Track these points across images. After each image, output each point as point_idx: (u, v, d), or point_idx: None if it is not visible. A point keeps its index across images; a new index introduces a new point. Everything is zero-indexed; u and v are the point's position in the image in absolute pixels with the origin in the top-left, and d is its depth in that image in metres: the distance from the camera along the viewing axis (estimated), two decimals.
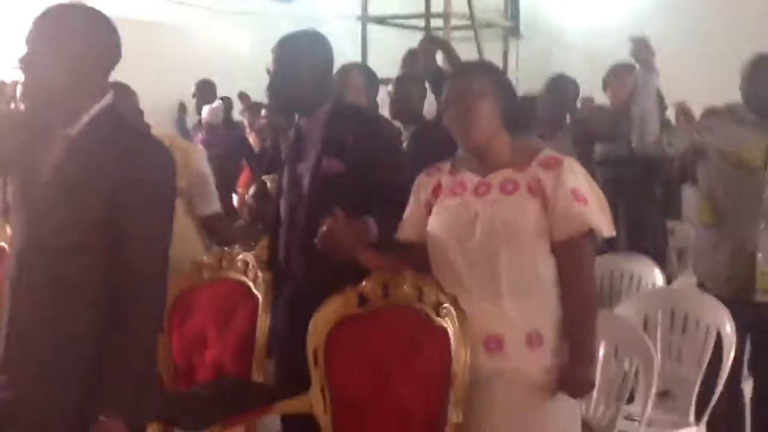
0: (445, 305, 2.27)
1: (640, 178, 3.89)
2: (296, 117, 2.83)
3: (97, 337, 1.79)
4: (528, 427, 2.24)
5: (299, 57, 2.60)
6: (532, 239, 2.22)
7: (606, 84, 4.50)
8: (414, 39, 9.57)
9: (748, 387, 3.45)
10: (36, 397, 1.82)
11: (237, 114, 7.92)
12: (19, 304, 1.88)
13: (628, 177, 4.02)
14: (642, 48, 3.16)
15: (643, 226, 4.22)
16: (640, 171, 3.89)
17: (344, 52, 9.89)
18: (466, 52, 9.48)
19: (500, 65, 9.57)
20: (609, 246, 4.22)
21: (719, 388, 2.98)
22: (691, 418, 3.05)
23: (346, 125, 2.62)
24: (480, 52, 9.19)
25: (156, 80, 8.31)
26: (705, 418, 3.02)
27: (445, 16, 9.08)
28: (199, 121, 6.58)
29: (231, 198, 5.91)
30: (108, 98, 1.90)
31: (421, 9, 9.75)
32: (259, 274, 2.63)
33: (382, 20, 9.41)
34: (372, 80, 3.91)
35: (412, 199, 2.41)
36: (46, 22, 1.86)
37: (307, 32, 2.73)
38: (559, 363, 2.22)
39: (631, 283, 3.89)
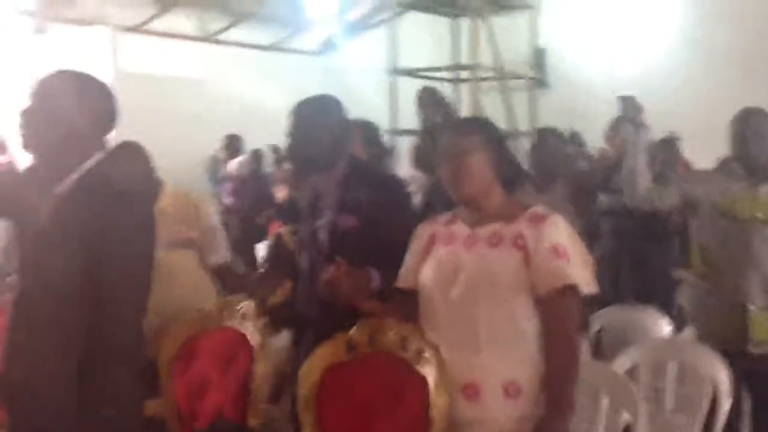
0: (426, 354, 2.37)
1: (641, 228, 3.96)
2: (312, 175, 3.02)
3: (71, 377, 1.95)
4: None
5: (315, 120, 2.81)
6: (512, 292, 2.29)
7: (606, 138, 4.60)
8: (442, 90, 9.91)
9: None
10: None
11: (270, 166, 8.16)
12: (13, 339, 2.06)
13: (629, 228, 4.09)
14: (630, 106, 3.28)
15: (648, 276, 4.28)
16: (639, 222, 3.96)
17: (373, 103, 10.23)
18: (493, 102, 9.71)
19: (527, 114, 9.76)
20: (615, 297, 4.30)
21: None
22: None
23: (359, 184, 2.81)
24: (508, 102, 9.36)
25: (189, 135, 8.66)
26: None
27: (473, 68, 9.30)
28: (227, 173, 6.83)
29: (254, 248, 6.09)
30: (94, 159, 2.07)
31: (450, 61, 9.99)
32: (258, 323, 2.76)
33: (410, 72, 9.64)
34: (371, 134, 4.08)
35: (411, 248, 2.53)
36: (46, 84, 2.07)
37: (323, 96, 2.96)
38: (536, 413, 2.27)
39: (638, 334, 3.93)
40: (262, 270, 4.67)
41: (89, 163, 2.06)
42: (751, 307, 3.24)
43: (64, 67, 2.15)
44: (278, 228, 6.56)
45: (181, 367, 2.85)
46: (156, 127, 8.25)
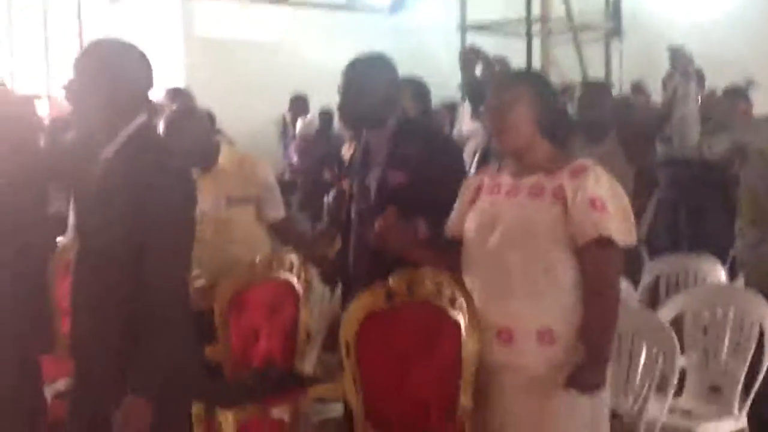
0: (459, 299, 2.45)
1: (698, 178, 3.91)
2: (364, 132, 3.10)
3: (126, 332, 2.11)
4: (538, 418, 2.36)
5: (365, 78, 2.88)
6: (549, 242, 2.33)
7: (664, 86, 4.52)
8: (513, 45, 9.82)
9: None
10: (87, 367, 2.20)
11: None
12: (76, 296, 2.24)
13: (686, 177, 4.05)
14: (680, 57, 3.25)
15: (705, 225, 4.23)
16: (696, 171, 3.91)
17: (445, 60, 10.19)
18: (567, 54, 9.56)
19: (603, 65, 9.58)
20: (673, 245, 4.27)
21: (759, 380, 3.01)
22: (735, 410, 3.09)
23: (409, 141, 2.88)
24: (580, 54, 9.21)
25: (262, 94, 8.85)
26: (746, 408, 3.05)
27: (543, 20, 9.16)
28: (294, 133, 6.98)
29: (321, 204, 6.24)
30: (139, 120, 2.20)
31: (521, 14, 9.87)
32: (303, 274, 2.89)
33: (481, 27, 9.56)
34: (420, 93, 4.13)
35: (459, 198, 2.58)
36: (85, 54, 2.21)
37: (373, 55, 3.02)
38: (571, 361, 2.31)
39: (696, 282, 3.92)
40: (323, 224, 4.83)
41: (132, 127, 2.19)
42: None
43: (107, 36, 2.30)
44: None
45: (234, 316, 3.02)
46: (228, 91, 8.51)
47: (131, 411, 2.05)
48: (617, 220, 2.31)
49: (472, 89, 4.07)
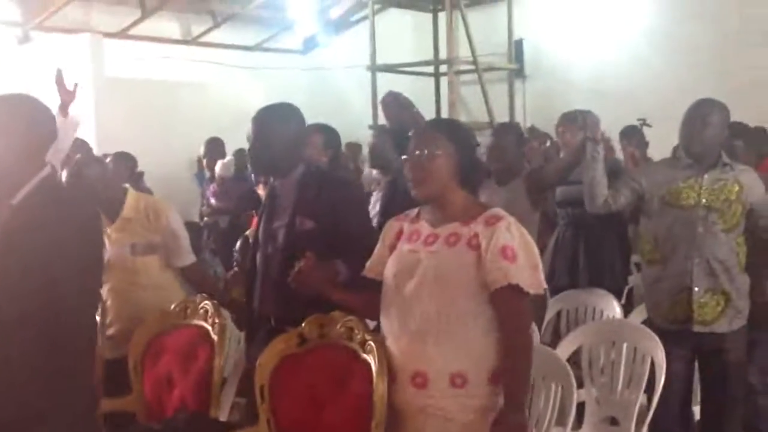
0: (370, 342, 2.57)
1: (595, 218, 4.14)
2: (272, 178, 3.19)
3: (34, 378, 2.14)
4: None
5: (273, 127, 2.98)
6: (463, 290, 2.44)
7: (557, 132, 4.76)
8: (423, 84, 10.09)
9: (697, 411, 3.66)
10: None
11: None
12: None
13: (585, 218, 4.28)
14: (588, 123, 3.48)
15: (602, 263, 4.48)
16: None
17: (356, 100, 10.36)
18: (473, 94, 9.89)
19: (507, 105, 9.94)
20: (572, 282, 4.50)
21: (651, 411, 3.21)
22: None
23: (315, 187, 2.99)
24: (485, 94, 9.53)
25: (177, 135, 8.84)
26: None
27: (450, 61, 9.47)
28: (212, 175, 7.00)
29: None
30: (45, 171, 2.28)
31: (429, 56, 10.17)
32: (217, 320, 2.95)
33: (390, 68, 9.80)
34: (330, 138, 4.26)
35: (380, 241, 2.69)
36: None
37: (281, 104, 3.13)
38: (489, 405, 2.42)
39: (593, 316, 4.15)
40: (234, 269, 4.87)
41: (37, 179, 2.26)
42: (696, 290, 3.42)
43: (5, 92, 2.37)
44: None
45: (148, 365, 3.05)
46: (142, 130, 8.46)
47: None
48: (527, 269, 2.43)
49: (386, 132, 4.21)
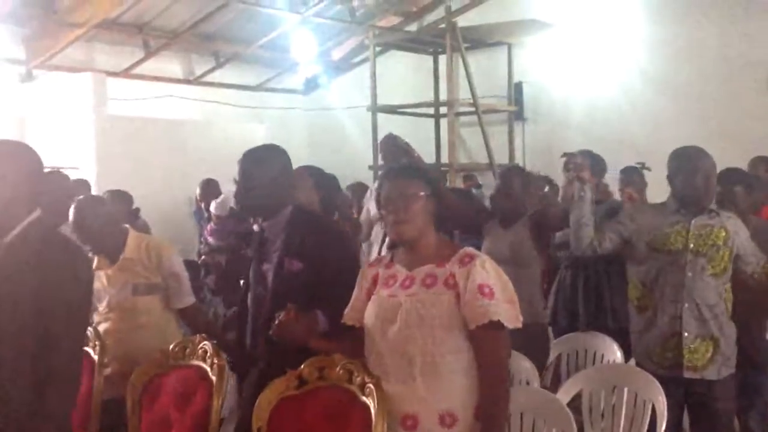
0: (369, 385, 2.55)
1: (596, 259, 4.14)
2: (260, 219, 3.19)
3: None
4: None
5: (258, 169, 3.00)
6: (445, 329, 2.49)
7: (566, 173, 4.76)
8: (423, 125, 10.16)
9: None
10: None
11: None
12: None
13: (584, 259, 4.27)
14: (575, 163, 3.49)
15: (602, 304, 4.46)
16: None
17: (355, 140, 10.41)
18: (473, 136, 9.96)
19: (506, 146, 10.00)
20: (572, 325, 4.49)
21: None
22: None
23: (303, 229, 3.01)
24: (485, 135, 9.60)
25: (178, 174, 8.87)
26: None
27: (450, 104, 9.54)
28: (208, 214, 7.01)
29: (236, 286, 6.24)
30: (35, 214, 2.35)
31: (429, 97, 10.25)
32: (216, 361, 2.93)
33: (391, 110, 9.88)
34: (321, 180, 4.28)
35: (356, 288, 2.73)
36: None
37: (265, 146, 3.15)
38: None
39: (594, 360, 4.12)
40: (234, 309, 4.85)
41: (28, 220, 2.33)
42: (686, 335, 3.40)
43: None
44: None
45: (146, 405, 3.02)
46: (143, 168, 8.50)
47: None
48: (504, 304, 2.48)
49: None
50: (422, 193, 2.57)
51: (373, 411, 2.50)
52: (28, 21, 8.54)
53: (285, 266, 2.97)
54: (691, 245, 3.41)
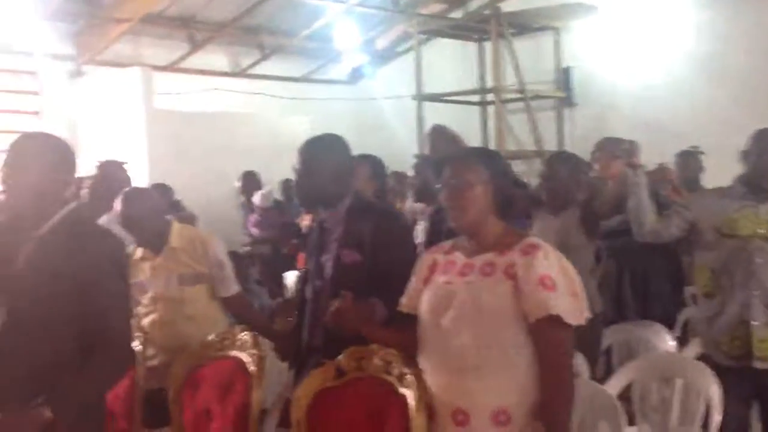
0: (408, 377, 2.49)
1: (639, 248, 4.01)
2: (320, 210, 3.16)
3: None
4: None
5: (318, 158, 2.97)
6: (501, 321, 2.35)
7: (594, 159, 4.64)
8: (468, 114, 10.05)
9: None
10: None
11: None
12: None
13: (628, 249, 4.15)
14: (625, 149, 3.38)
15: (649, 293, 4.33)
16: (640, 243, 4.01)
17: (400, 130, 10.34)
18: (519, 123, 9.82)
19: (555, 134, 9.83)
20: (619, 315, 4.36)
21: None
22: None
23: (362, 220, 2.96)
24: (533, 122, 9.45)
25: (224, 166, 8.91)
26: None
27: (497, 90, 9.41)
28: (249, 206, 7.04)
29: (281, 277, 6.25)
30: (71, 206, 2.38)
31: (474, 85, 10.13)
32: (256, 352, 2.91)
33: (436, 98, 9.78)
34: (377, 169, 4.22)
35: (413, 275, 2.63)
36: (14, 149, 2.37)
37: (327, 135, 3.11)
38: None
39: (646, 349, 4.00)
40: (285, 299, 4.85)
41: (64, 211, 2.35)
42: (755, 323, 3.25)
43: (34, 129, 2.47)
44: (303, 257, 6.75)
45: (187, 396, 3.01)
46: (190, 162, 8.57)
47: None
48: (566, 298, 2.34)
49: (428, 165, 4.16)
50: (478, 179, 2.45)
51: (412, 403, 2.44)
52: (76, 17, 8.66)
53: (343, 257, 2.93)
54: (761, 231, 3.26)
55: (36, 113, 8.62)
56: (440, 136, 4.36)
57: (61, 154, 2.39)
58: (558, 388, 2.33)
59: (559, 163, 4.18)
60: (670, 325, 4.05)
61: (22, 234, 2.34)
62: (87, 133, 8.86)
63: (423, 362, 2.49)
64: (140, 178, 6.64)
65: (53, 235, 2.31)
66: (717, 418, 3.06)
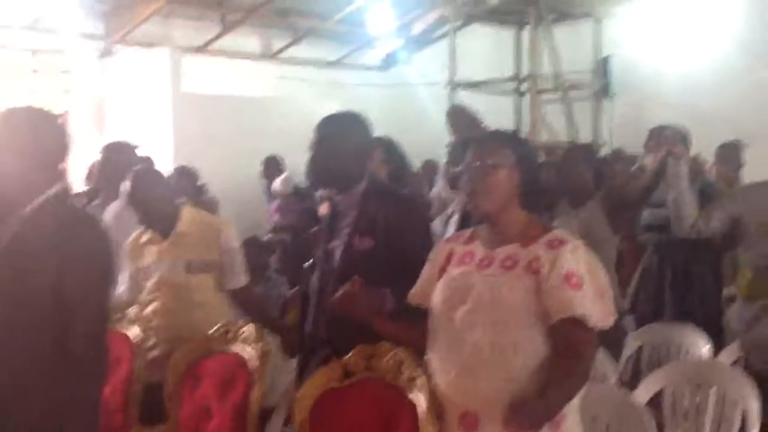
0: (418, 381, 2.30)
1: (684, 244, 3.79)
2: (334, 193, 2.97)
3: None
4: None
5: (338, 137, 2.77)
6: (519, 319, 2.17)
7: (647, 149, 4.41)
8: (503, 103, 9.79)
9: None
10: None
11: None
12: None
13: (672, 244, 3.94)
14: (666, 137, 3.18)
15: (691, 294, 4.10)
16: (683, 238, 3.79)
17: (433, 117, 10.14)
18: (556, 113, 9.54)
19: (591, 125, 9.54)
20: (657, 314, 4.13)
21: None
22: None
23: (378, 205, 2.76)
24: (569, 113, 9.17)
25: (253, 150, 8.77)
26: None
27: (532, 78, 9.15)
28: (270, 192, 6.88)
29: (301, 265, 6.07)
30: (57, 187, 2.21)
31: (509, 73, 9.87)
32: (258, 346, 2.74)
33: (470, 85, 9.55)
34: (391, 153, 4.03)
35: (428, 264, 2.43)
36: (2, 121, 2.22)
37: (345, 113, 2.92)
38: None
39: (679, 354, 3.76)
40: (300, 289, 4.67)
41: (49, 193, 2.18)
42: None
43: (20, 105, 2.29)
44: None
45: (186, 392, 2.86)
46: (217, 146, 8.44)
47: None
48: (593, 298, 2.16)
49: (455, 149, 3.97)
50: (504, 163, 2.25)
51: (421, 410, 2.25)
52: None
53: (355, 244, 2.74)
54: None
55: (67, 92, 8.56)
56: (460, 116, 4.18)
57: (45, 128, 2.24)
58: (570, 383, 2.15)
59: (574, 154, 4.01)
60: (710, 331, 3.78)
61: (6, 212, 2.20)
62: (114, 113, 8.78)
63: (432, 357, 2.31)
64: (166, 160, 6.53)
65: (34, 218, 2.17)
66: (753, 429, 2.85)
